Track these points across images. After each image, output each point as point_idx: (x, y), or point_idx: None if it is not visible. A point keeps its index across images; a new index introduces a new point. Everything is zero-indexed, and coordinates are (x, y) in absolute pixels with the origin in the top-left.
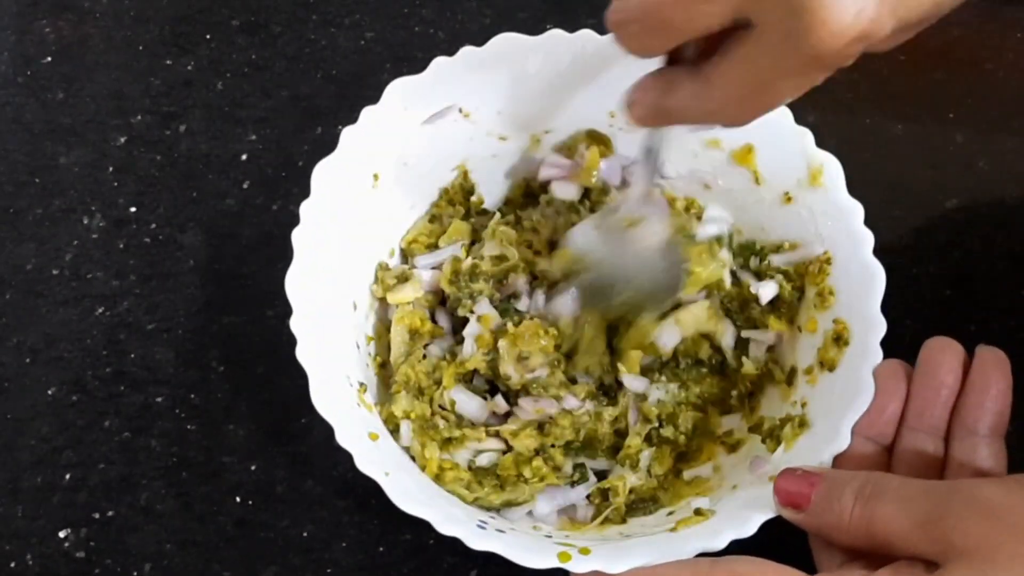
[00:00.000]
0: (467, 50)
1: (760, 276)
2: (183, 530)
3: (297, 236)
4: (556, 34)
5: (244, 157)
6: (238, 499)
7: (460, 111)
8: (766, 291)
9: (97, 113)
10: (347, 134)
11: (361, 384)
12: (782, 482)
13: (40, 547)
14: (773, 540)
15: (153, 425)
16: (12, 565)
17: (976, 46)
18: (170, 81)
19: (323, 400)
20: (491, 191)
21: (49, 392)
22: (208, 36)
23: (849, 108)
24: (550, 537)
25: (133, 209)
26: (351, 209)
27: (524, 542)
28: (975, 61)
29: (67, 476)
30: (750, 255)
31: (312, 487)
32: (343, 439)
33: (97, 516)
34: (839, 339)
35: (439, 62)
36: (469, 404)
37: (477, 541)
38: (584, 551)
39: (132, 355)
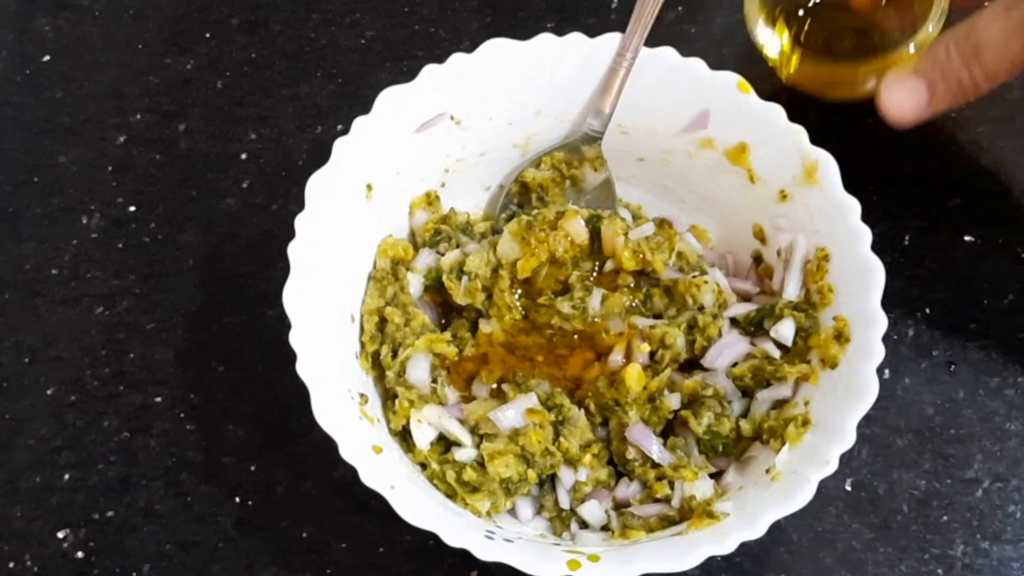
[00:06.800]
0: (457, 57)
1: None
2: (182, 530)
3: (293, 250)
4: (546, 38)
5: (244, 156)
6: (237, 499)
7: (452, 118)
8: (786, 330)
9: (96, 112)
10: (339, 145)
11: (362, 395)
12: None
13: (39, 548)
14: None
15: (152, 425)
16: (11, 566)
17: None
18: (169, 80)
19: (326, 414)
20: (479, 198)
21: (48, 392)
22: (208, 35)
23: (850, 108)
24: (558, 545)
25: (132, 208)
26: (346, 220)
27: (533, 551)
28: None
29: (66, 476)
30: (762, 318)
31: (312, 488)
32: (347, 454)
33: (96, 516)
34: (840, 336)
35: (429, 70)
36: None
37: (486, 552)
38: (593, 558)
39: (131, 355)
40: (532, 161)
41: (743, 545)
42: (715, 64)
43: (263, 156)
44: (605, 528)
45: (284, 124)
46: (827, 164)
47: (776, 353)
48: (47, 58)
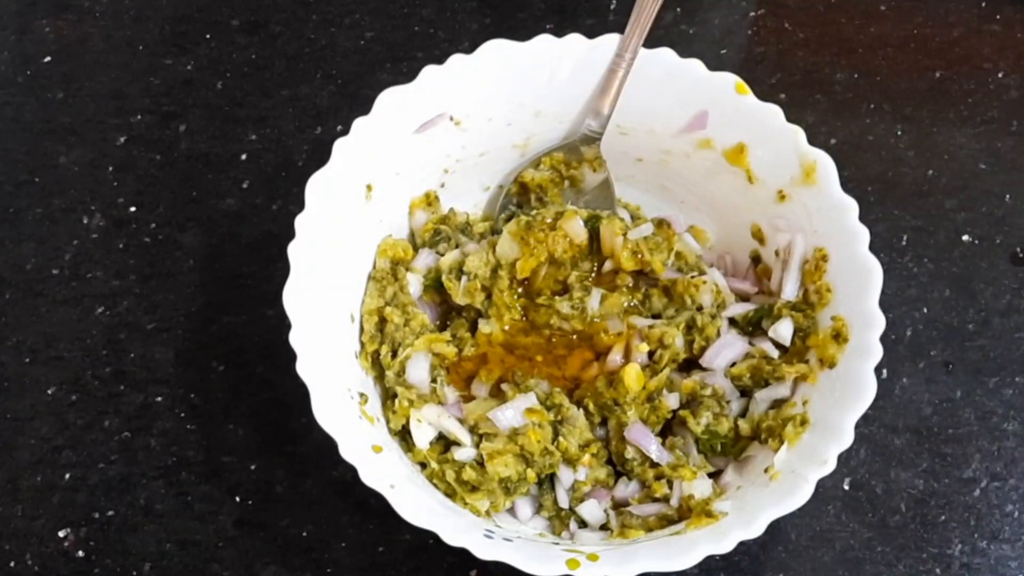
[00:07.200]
0: (456, 58)
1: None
2: (183, 530)
3: (293, 250)
4: (545, 39)
5: (244, 157)
6: (238, 499)
7: (451, 119)
8: (784, 329)
9: (97, 113)
10: (339, 146)
11: (362, 395)
12: None
13: (40, 547)
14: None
15: (153, 425)
16: (12, 564)
17: (976, 46)
18: (170, 81)
19: (326, 414)
20: (479, 198)
21: (49, 392)
22: (208, 36)
23: (849, 108)
24: (557, 544)
25: (133, 209)
26: (346, 220)
27: (532, 550)
28: (975, 61)
29: (67, 476)
30: (760, 318)
31: (312, 487)
32: (347, 453)
33: (97, 516)
34: (838, 336)
35: (429, 71)
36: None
37: (485, 551)
38: (592, 557)
39: (132, 355)
40: (531, 162)
41: (741, 544)
42: (713, 65)
43: (263, 157)
44: (604, 527)
45: (284, 125)
46: (825, 164)
47: (774, 353)
48: (48, 59)
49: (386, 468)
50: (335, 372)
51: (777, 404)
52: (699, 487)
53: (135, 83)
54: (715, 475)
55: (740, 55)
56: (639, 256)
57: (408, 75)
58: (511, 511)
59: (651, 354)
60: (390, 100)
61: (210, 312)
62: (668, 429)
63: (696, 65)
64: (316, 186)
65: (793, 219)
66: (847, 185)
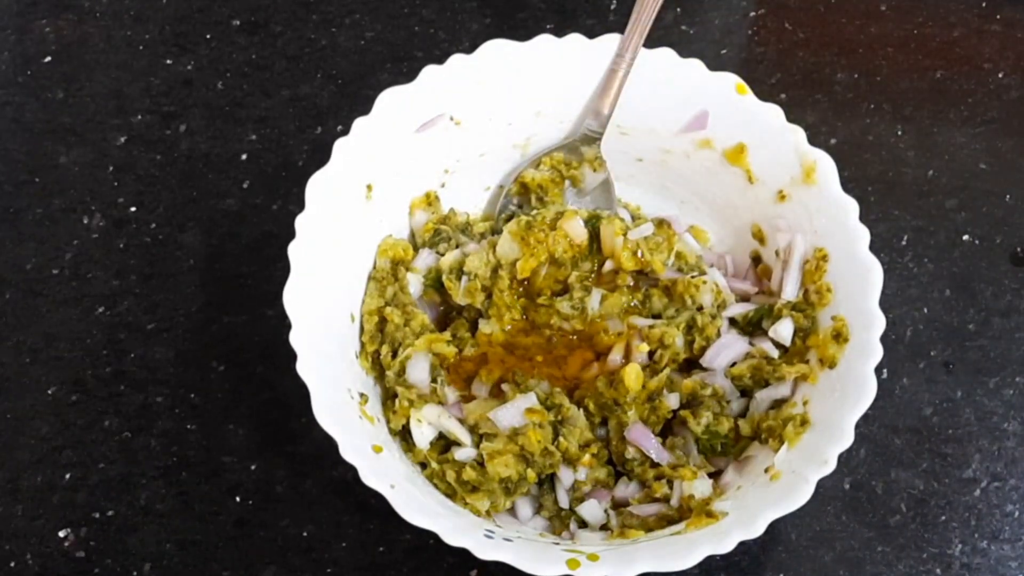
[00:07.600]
0: (457, 58)
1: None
2: (183, 530)
3: (293, 250)
4: (545, 39)
5: (244, 157)
6: (238, 499)
7: (451, 119)
8: (784, 329)
9: (97, 113)
10: (339, 146)
11: (362, 395)
12: None
13: (40, 546)
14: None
15: (153, 425)
16: (12, 565)
17: (976, 46)
18: (170, 81)
19: (325, 414)
20: (479, 198)
21: (49, 392)
22: (208, 36)
23: (849, 108)
24: (558, 544)
25: (133, 209)
26: (346, 220)
27: (532, 550)
28: (975, 61)
29: (67, 476)
30: (760, 318)
31: (312, 487)
32: (347, 453)
33: (97, 516)
34: (838, 336)
35: (429, 71)
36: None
37: (485, 551)
38: (592, 557)
39: (132, 355)
40: (531, 161)
41: (742, 544)
42: (713, 65)
43: (263, 156)
44: (604, 527)
45: (284, 125)
46: (825, 164)
47: (775, 353)
48: (48, 59)
49: (386, 468)
50: (335, 372)
51: (777, 404)
52: (699, 487)
53: (135, 83)
54: (715, 475)
55: (740, 55)
56: (639, 256)
57: (408, 75)
58: (511, 511)
59: (651, 354)
60: (390, 100)
61: (210, 312)
62: (668, 429)
63: (696, 65)
64: (316, 186)
65: (793, 219)
66: (847, 185)
